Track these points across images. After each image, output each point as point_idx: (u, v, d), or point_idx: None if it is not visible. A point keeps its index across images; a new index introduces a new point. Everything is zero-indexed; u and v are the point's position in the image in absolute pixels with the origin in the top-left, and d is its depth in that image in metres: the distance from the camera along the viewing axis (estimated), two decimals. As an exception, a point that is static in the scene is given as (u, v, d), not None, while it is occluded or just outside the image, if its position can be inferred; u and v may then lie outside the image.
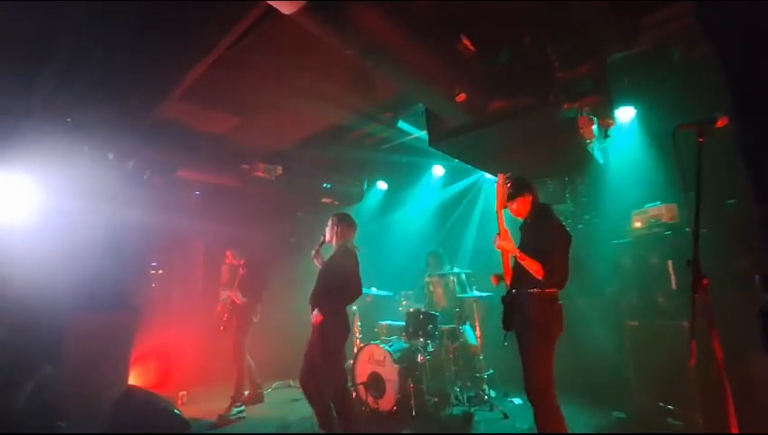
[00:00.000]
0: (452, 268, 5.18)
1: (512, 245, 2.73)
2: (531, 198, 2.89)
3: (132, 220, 4.49)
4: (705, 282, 1.70)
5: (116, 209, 4.21)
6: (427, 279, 5.40)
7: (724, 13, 1.22)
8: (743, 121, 1.24)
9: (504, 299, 2.85)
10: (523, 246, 2.78)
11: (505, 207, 2.91)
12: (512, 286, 2.81)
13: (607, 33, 3.23)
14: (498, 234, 2.78)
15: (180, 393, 4.98)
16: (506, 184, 2.90)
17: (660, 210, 3.75)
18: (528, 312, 2.67)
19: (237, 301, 4.81)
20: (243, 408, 4.61)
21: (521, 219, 2.96)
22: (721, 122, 1.82)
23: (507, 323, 2.80)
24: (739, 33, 1.19)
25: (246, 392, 4.77)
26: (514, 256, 2.74)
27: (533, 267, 2.60)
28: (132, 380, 4.60)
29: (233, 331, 4.79)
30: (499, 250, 2.83)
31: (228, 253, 5.23)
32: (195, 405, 4.88)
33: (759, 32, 1.17)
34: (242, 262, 5.02)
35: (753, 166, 1.17)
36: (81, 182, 3.91)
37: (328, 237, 3.54)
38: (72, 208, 3.79)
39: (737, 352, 1.90)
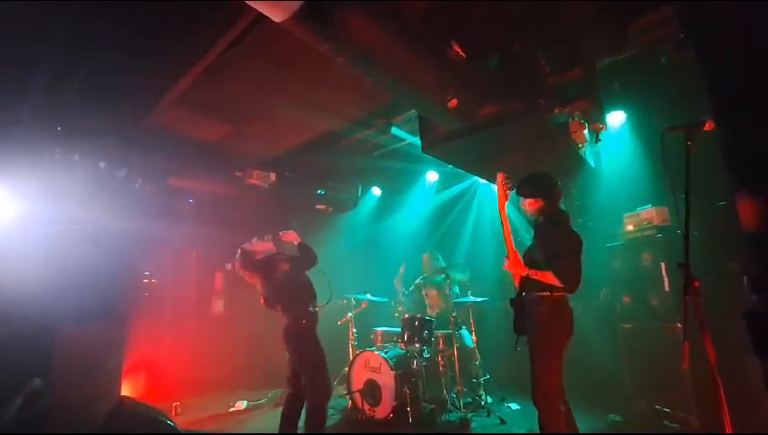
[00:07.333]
0: (447, 273, 5.17)
1: (521, 267, 2.75)
2: (542, 203, 2.80)
3: (124, 229, 4.43)
4: (696, 284, 1.71)
5: (107, 218, 4.17)
6: (418, 282, 5.38)
7: (702, 14, 1.23)
8: (723, 124, 1.25)
9: (513, 302, 2.85)
10: (534, 249, 2.80)
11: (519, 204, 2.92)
12: (521, 289, 2.81)
13: (596, 38, 3.26)
14: (507, 256, 2.81)
15: (174, 404, 4.90)
16: (506, 183, 2.93)
17: (651, 213, 3.78)
18: (536, 315, 2.67)
19: None
20: None
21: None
22: (709, 125, 1.81)
23: (518, 326, 2.79)
24: (718, 34, 1.21)
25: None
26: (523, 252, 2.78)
27: (547, 280, 2.61)
28: (124, 391, 4.52)
29: None
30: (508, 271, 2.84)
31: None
32: (189, 415, 4.80)
33: (738, 33, 1.18)
34: None
35: (734, 168, 1.18)
36: (72, 191, 3.87)
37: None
38: (62, 217, 3.74)
39: (730, 354, 1.90)
